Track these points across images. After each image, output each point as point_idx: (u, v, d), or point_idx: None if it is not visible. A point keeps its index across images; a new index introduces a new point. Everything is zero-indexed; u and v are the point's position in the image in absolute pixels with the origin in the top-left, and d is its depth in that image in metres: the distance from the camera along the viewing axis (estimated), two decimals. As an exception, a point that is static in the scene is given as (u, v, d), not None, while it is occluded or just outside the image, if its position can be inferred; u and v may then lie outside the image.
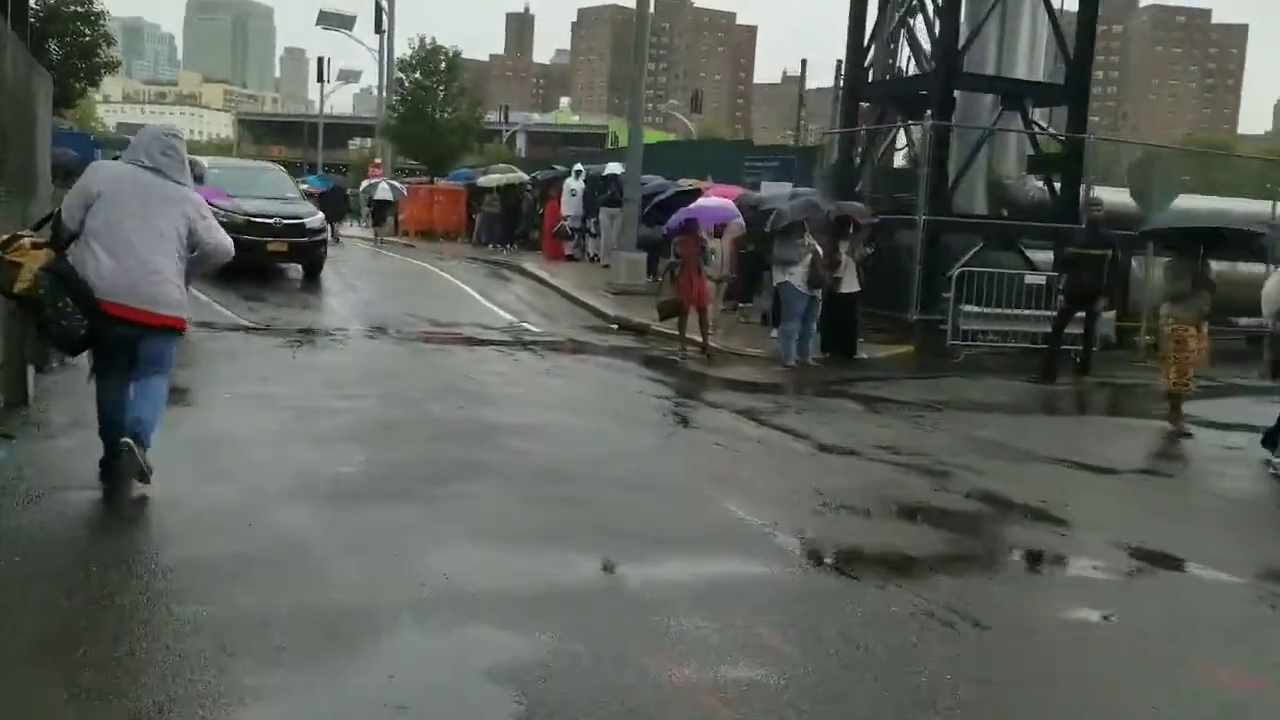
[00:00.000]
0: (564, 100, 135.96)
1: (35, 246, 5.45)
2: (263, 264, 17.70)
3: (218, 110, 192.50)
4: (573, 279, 20.86)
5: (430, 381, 10.34)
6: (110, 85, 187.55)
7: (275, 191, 18.91)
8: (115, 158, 21.17)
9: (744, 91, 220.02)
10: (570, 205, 23.97)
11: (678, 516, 6.13)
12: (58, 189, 16.91)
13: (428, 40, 38.43)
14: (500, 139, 73.02)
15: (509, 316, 16.77)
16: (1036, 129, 16.03)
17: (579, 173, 24.26)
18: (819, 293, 13.05)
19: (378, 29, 44.81)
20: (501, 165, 31.08)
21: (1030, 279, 14.49)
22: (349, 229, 35.73)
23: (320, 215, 19.30)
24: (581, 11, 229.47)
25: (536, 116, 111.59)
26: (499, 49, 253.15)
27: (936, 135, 14.56)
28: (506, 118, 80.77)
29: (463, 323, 15.64)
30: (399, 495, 6.13)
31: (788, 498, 6.74)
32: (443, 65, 37.93)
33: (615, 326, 16.65)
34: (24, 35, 10.30)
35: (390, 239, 32.79)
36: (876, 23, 16.31)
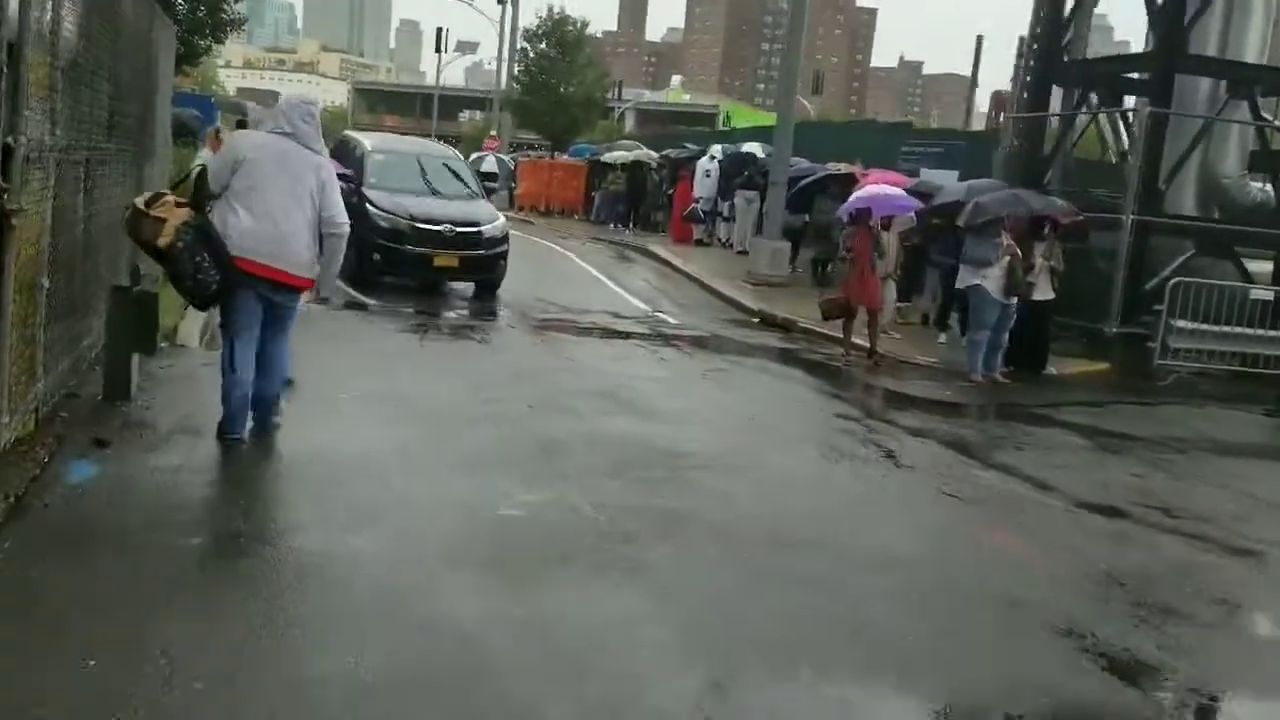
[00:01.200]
0: (675, 79, 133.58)
1: (179, 205, 5.77)
2: (429, 282, 13.84)
3: (334, 79, 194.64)
4: (706, 266, 19.36)
5: (579, 384, 8.98)
6: (231, 50, 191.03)
7: (448, 185, 14.24)
8: (240, 122, 19.89)
9: (860, 75, 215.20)
10: (703, 187, 22.38)
11: (970, 626, 4.62)
12: (179, 148, 16.08)
13: (555, 10, 37.02)
14: (612, 116, 71.70)
15: (642, 305, 15.38)
16: (1265, 122, 13.98)
17: (713, 155, 22.67)
18: (1014, 301, 11.36)
19: (499, -1, 43.88)
20: (626, 141, 29.66)
21: (1257, 293, 12.56)
22: None
23: (502, 220, 14.16)
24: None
25: (648, 94, 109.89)
26: (611, 25, 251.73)
27: (1153, 123, 12.67)
28: (620, 94, 79.30)
29: (594, 309, 14.32)
30: (587, 563, 4.74)
31: (1086, 588, 5.16)
32: (571, 36, 36.52)
33: (757, 320, 15.20)
34: (146, -24, 9.18)
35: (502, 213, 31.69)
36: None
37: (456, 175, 14.64)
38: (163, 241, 5.62)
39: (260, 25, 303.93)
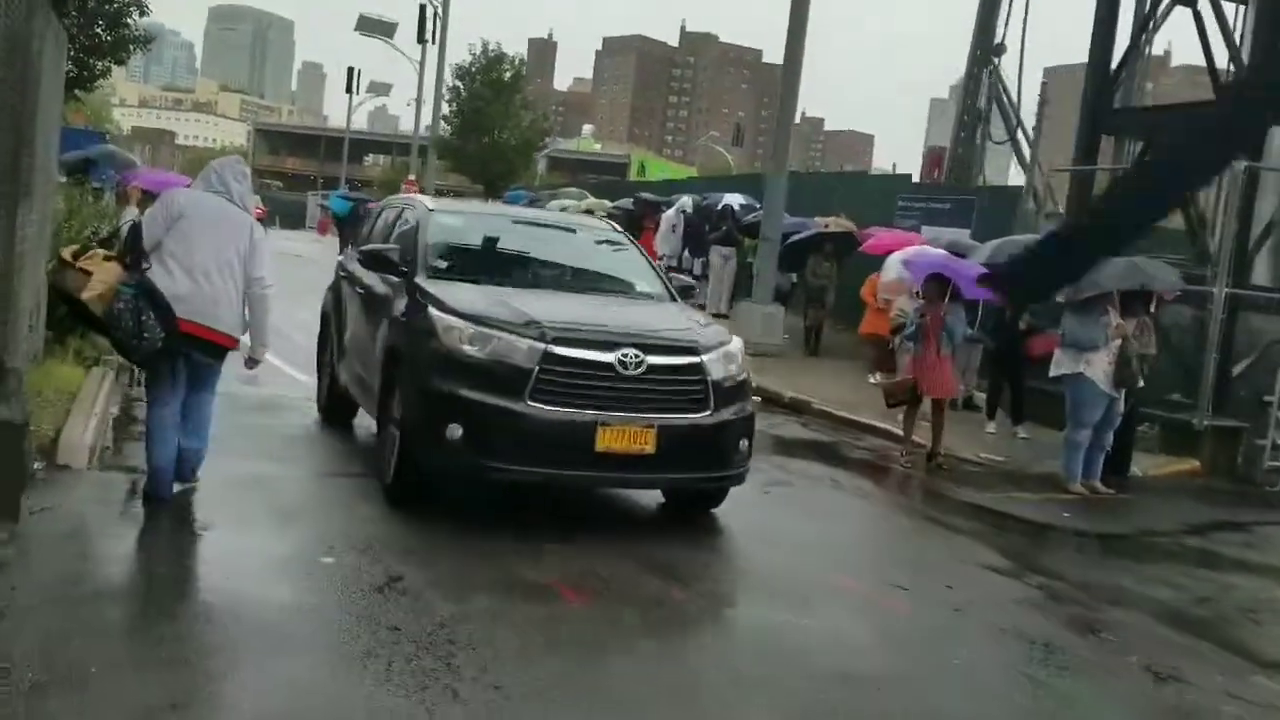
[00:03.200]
0: (587, 128, 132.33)
1: (107, 259, 5.82)
2: (575, 485, 6.91)
3: (233, 119, 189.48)
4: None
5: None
6: (126, 88, 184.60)
7: (600, 277, 7.85)
8: (90, 160, 16.45)
9: (765, 129, 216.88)
10: (667, 243, 19.99)
11: None
12: (69, 188, 13.31)
13: (491, 45, 34.35)
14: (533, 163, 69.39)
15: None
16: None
17: (682, 208, 20.36)
18: (1124, 394, 9.30)
19: (420, 38, 41.31)
20: (572, 190, 27.29)
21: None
22: None
23: (736, 342, 6.92)
24: (607, 40, 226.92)
25: (561, 142, 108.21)
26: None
27: (1249, 179, 10.82)
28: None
29: None
30: None
31: None
32: (507, 74, 33.98)
33: (759, 399, 12.96)
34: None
35: None
36: (1137, 33, 12.53)
37: (616, 260, 7.94)
38: (87, 295, 5.65)
39: (157, 63, 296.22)
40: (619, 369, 6.08)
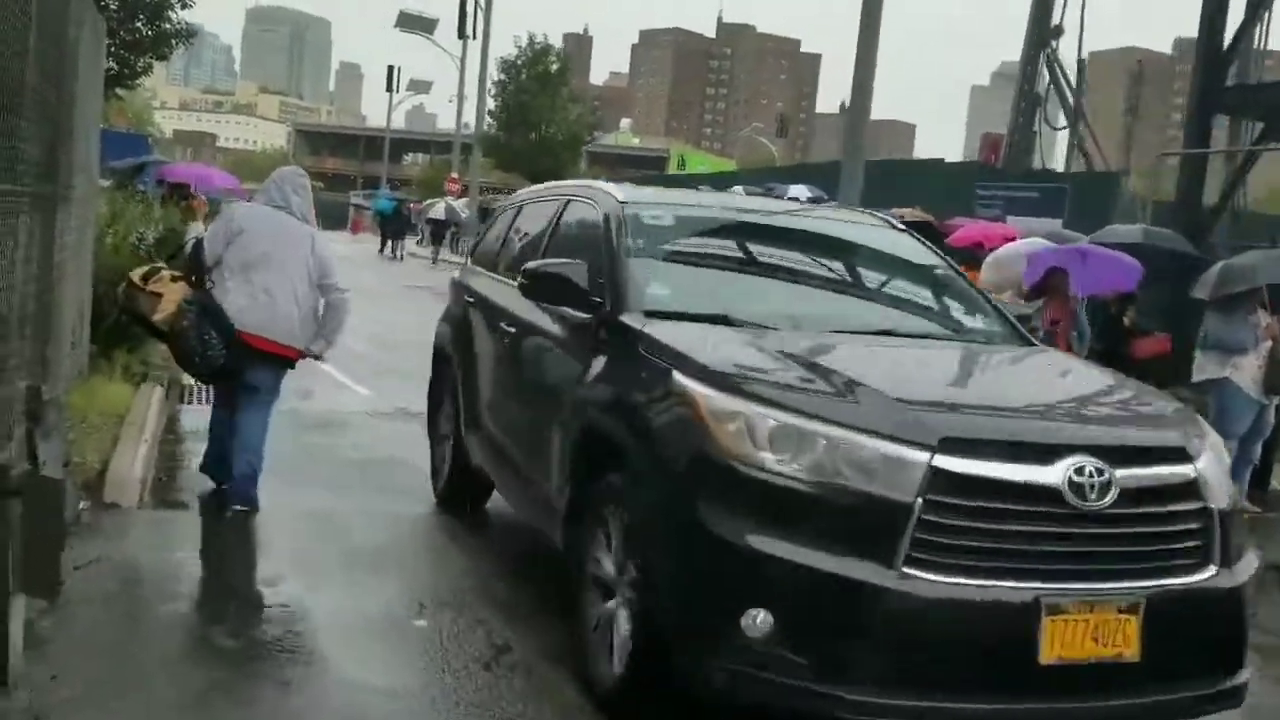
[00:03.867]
0: (625, 122, 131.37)
1: (174, 279, 5.85)
2: None
3: (273, 121, 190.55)
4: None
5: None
6: (168, 91, 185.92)
7: (904, 293, 5.16)
8: (143, 166, 15.81)
9: (805, 119, 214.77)
10: None
11: None
12: (111, 191, 12.66)
13: (537, 40, 33.45)
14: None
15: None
16: None
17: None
18: (1275, 401, 8.35)
19: (461, 33, 40.67)
20: (626, 185, 26.40)
21: None
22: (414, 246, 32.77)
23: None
24: (644, 33, 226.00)
25: (600, 136, 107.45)
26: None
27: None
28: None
29: None
30: None
31: None
32: (554, 67, 33.10)
33: None
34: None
35: (446, 259, 30.33)
36: (1252, 7, 11.51)
37: (922, 277, 5.21)
38: (159, 317, 5.73)
39: (197, 66, 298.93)
40: (1072, 497, 3.22)
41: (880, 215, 6.13)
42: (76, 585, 4.43)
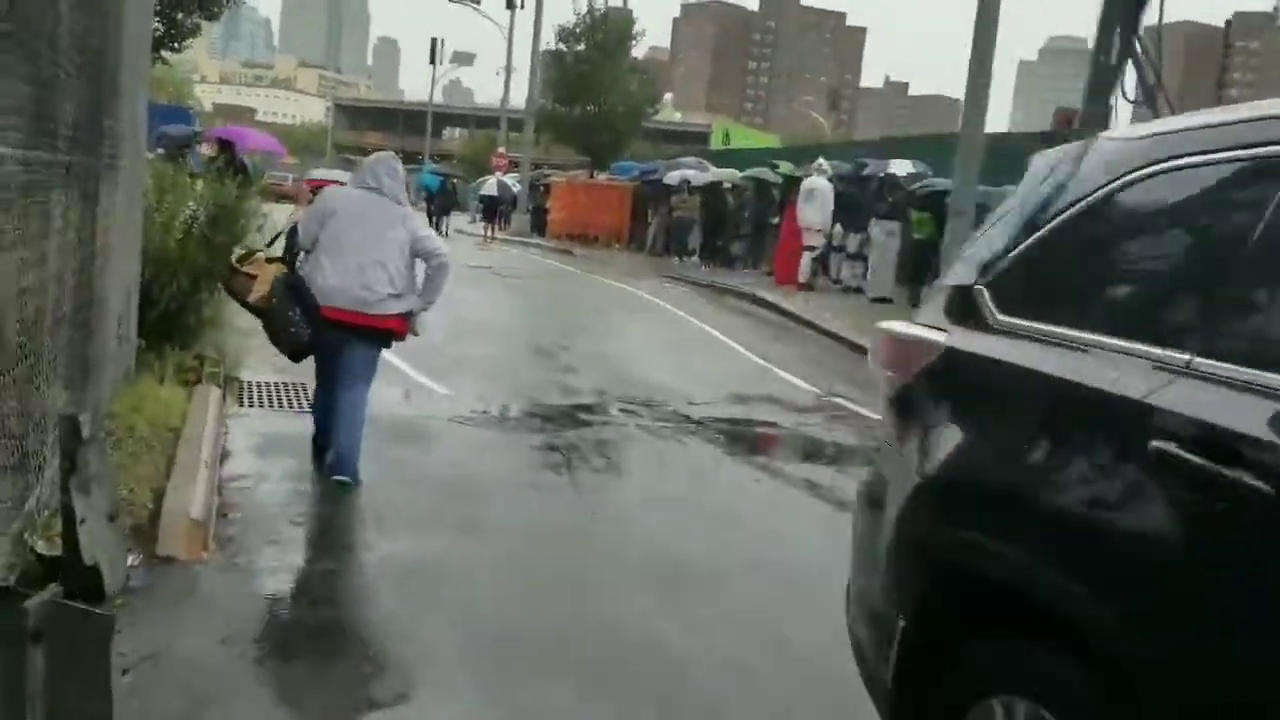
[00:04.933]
0: (667, 96, 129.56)
1: (269, 261, 6.03)
2: None
3: (312, 95, 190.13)
4: (852, 322, 14.80)
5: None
6: (207, 65, 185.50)
7: None
8: (195, 136, 15.29)
9: (849, 94, 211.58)
10: (815, 212, 17.59)
11: None
12: (157, 163, 11.40)
13: (598, 6, 31.67)
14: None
15: (813, 389, 10.95)
16: None
17: (821, 168, 17.91)
18: None
19: (509, 3, 39.24)
20: (690, 159, 25.08)
21: None
22: (462, 224, 32.12)
23: None
24: (685, 6, 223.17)
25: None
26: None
27: None
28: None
29: (751, 396, 10.02)
30: None
31: None
32: (613, 38, 31.31)
33: None
34: None
35: (496, 237, 29.35)
36: None
37: None
38: (254, 298, 5.84)
39: (235, 39, 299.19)
40: None
41: None
42: (126, 701, 3.15)
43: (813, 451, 8.25)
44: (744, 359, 12.34)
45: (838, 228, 18.41)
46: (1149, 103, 28.86)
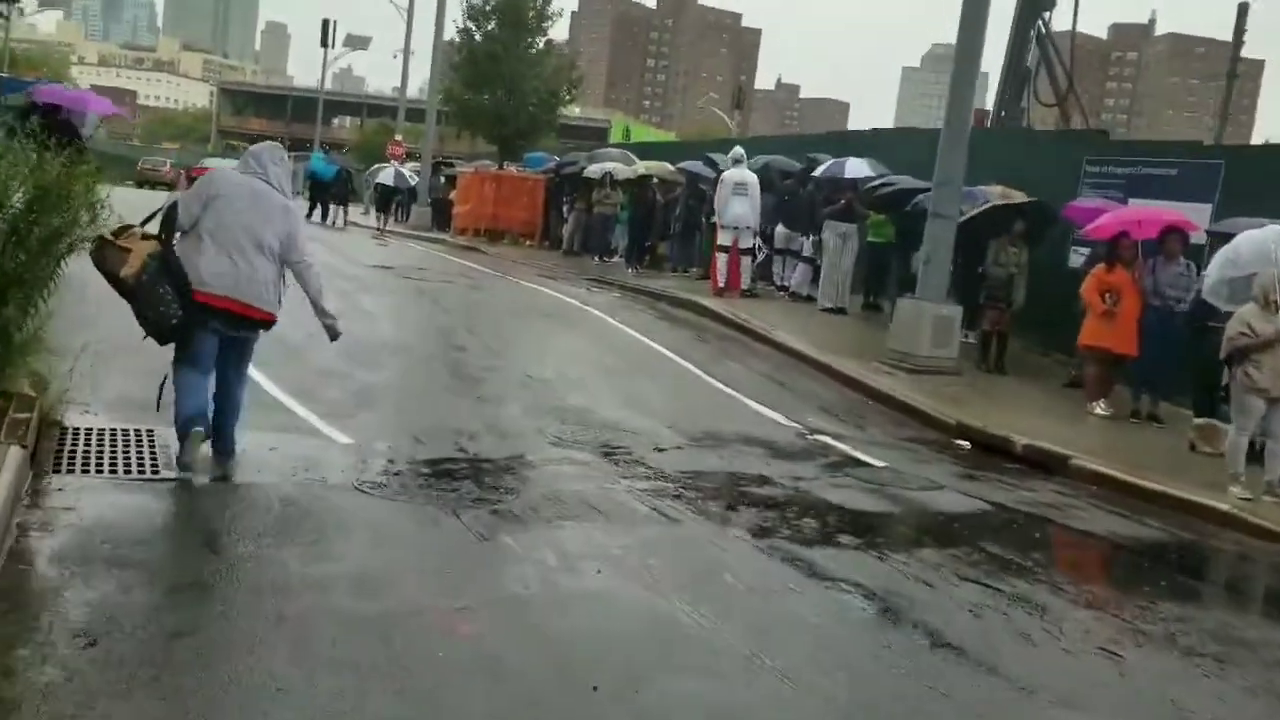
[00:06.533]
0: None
1: (144, 238, 5.77)
2: None
3: (196, 80, 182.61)
4: (811, 336, 12.99)
5: None
6: (86, 46, 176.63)
7: None
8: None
9: (744, 95, 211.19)
10: (740, 210, 15.46)
11: None
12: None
13: None
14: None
15: (792, 425, 9.19)
16: None
17: (737, 157, 15.87)
18: None
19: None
20: (614, 151, 22.94)
21: None
22: (355, 215, 29.72)
23: None
24: (584, 1, 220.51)
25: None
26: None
27: None
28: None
29: (726, 437, 8.19)
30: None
31: None
32: (530, 14, 28.94)
33: (967, 445, 9.39)
34: None
35: (393, 230, 27.24)
36: None
37: None
38: (126, 272, 5.58)
39: (116, 22, 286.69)
40: None
41: None
42: None
43: (833, 524, 6.36)
44: (703, 384, 10.44)
45: (780, 228, 16.62)
46: (1060, 105, 27.76)
